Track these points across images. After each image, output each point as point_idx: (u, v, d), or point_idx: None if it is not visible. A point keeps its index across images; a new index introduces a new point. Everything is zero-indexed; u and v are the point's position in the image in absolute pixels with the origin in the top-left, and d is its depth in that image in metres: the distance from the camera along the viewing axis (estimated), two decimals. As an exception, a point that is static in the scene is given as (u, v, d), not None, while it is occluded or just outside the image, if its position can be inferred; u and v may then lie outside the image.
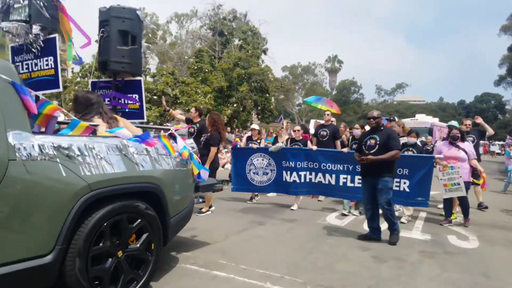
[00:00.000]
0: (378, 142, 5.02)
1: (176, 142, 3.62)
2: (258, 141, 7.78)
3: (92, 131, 3.00)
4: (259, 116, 32.78)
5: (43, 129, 2.98)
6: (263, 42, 37.86)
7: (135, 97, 4.67)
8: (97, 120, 3.45)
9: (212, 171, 6.39)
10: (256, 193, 7.96)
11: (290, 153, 7.11)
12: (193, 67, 31.08)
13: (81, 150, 2.68)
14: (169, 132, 3.64)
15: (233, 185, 7.66)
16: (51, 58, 3.68)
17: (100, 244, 2.80)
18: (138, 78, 4.68)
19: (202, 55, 32.71)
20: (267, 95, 32.54)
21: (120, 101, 4.63)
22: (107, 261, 2.86)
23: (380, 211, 5.25)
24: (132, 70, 4.42)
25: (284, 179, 7.11)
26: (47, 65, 3.70)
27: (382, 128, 5.15)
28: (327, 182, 6.86)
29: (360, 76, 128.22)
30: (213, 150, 6.39)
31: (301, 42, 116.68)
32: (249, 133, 8.77)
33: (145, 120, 4.83)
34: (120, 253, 2.93)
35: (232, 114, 29.63)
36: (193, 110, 7.15)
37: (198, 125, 6.94)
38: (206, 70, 30.92)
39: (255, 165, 7.33)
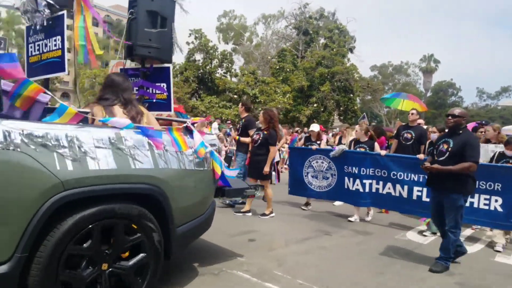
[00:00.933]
0: (450, 149, 4.00)
1: (192, 137, 3.08)
2: (318, 142, 6.95)
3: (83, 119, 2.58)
4: (341, 117, 31.45)
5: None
6: (350, 40, 36.42)
7: (163, 86, 4.21)
8: (117, 110, 3.04)
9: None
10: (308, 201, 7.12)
11: (353, 157, 6.17)
12: (275, 67, 30.93)
13: (59, 140, 2.25)
14: (184, 124, 3.11)
15: (289, 187, 6.97)
16: (59, 37, 3.36)
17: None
18: (166, 65, 4.21)
19: (285, 54, 32.49)
20: (351, 95, 31.22)
21: (148, 90, 4.25)
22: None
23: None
24: (160, 55, 3.92)
25: (346, 186, 6.20)
26: (55, 45, 3.39)
27: (461, 132, 4.07)
28: (397, 194, 5.79)
29: (459, 78, 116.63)
30: (273, 149, 5.88)
31: (393, 41, 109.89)
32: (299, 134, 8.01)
33: (172, 112, 4.40)
34: (105, 266, 2.47)
35: (312, 115, 28.84)
36: (240, 105, 6.84)
37: (244, 120, 6.60)
38: (288, 70, 30.63)
39: (314, 168, 6.53)
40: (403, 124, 7.34)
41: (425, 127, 7.38)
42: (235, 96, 27.06)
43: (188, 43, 34.65)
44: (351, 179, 6.13)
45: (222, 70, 31.81)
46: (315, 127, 7.08)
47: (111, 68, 10.56)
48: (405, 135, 6.78)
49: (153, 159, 2.69)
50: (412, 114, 6.96)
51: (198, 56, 32.46)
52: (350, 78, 30.52)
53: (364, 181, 6.01)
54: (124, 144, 2.55)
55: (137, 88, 4.12)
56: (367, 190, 6.01)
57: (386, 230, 5.74)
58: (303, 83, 29.38)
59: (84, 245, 2.36)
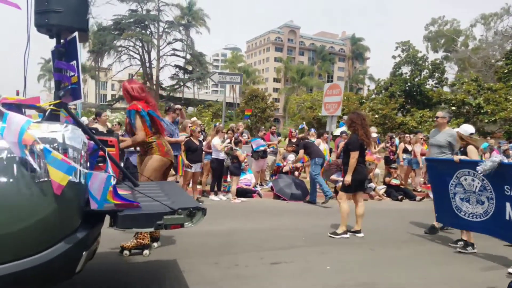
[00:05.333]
0: None
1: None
2: (462, 149, 5.00)
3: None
4: None
5: None
6: None
7: (73, 64, 3.06)
8: None
9: (358, 184, 5.31)
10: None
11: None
12: (502, 71, 25.54)
13: None
14: None
15: (436, 212, 5.25)
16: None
17: None
18: (73, 34, 3.01)
19: (515, 55, 26.51)
20: None
21: (66, 74, 3.16)
22: None
23: None
24: (62, 22, 2.83)
25: (507, 217, 4.19)
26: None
27: None
28: None
29: None
30: (352, 155, 5.19)
31: None
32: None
33: (82, 100, 3.26)
34: None
35: None
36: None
37: None
38: (522, 73, 24.79)
39: (464, 187, 4.72)
40: None
41: None
42: (453, 108, 23.66)
43: (394, 57, 32.69)
44: (515, 206, 4.12)
45: (433, 81, 28.46)
46: (465, 128, 5.30)
47: (325, 90, 10.91)
48: None
49: None
50: None
51: (405, 69, 30.12)
52: None
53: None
54: None
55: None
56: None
57: None
58: (548, 86, 23.18)
59: None
